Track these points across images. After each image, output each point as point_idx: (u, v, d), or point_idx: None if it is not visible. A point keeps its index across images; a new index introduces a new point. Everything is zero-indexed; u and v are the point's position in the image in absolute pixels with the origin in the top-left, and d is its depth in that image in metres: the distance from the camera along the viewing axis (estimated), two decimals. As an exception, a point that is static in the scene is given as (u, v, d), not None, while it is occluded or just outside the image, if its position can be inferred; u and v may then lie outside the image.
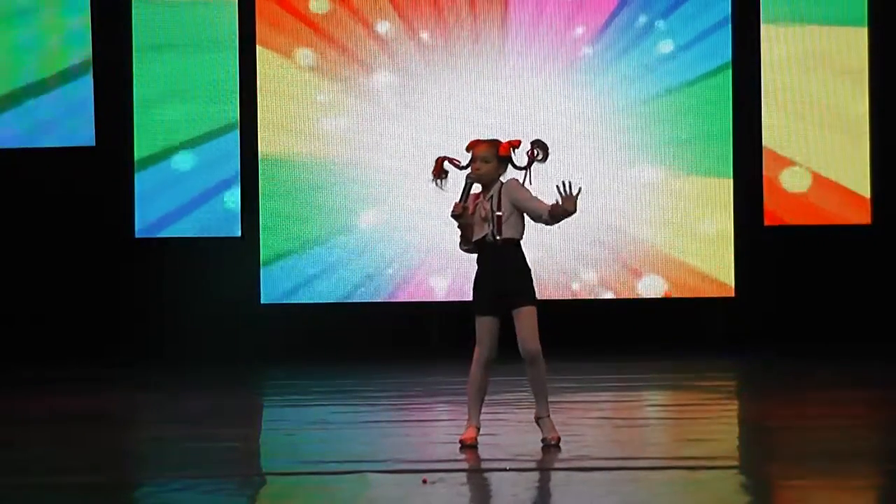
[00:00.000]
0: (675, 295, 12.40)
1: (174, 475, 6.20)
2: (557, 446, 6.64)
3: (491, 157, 6.71)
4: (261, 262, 12.57)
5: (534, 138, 6.74)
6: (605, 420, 7.93)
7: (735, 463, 6.53)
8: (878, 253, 12.38)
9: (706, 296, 12.40)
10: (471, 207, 6.68)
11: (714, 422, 7.96)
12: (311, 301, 12.50)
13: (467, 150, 6.79)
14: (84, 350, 12.39)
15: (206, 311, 12.36)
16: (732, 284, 12.36)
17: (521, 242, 6.76)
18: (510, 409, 8.38)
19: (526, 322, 6.77)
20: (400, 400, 8.85)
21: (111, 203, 12.68)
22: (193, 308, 12.40)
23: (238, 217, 12.56)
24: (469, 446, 6.65)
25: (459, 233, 6.77)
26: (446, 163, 6.78)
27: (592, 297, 12.44)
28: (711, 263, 12.38)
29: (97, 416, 8.54)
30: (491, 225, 6.68)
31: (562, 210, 6.55)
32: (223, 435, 7.48)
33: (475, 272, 6.90)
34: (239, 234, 12.61)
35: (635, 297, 12.42)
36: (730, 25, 12.39)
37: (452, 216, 6.68)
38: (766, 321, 12.40)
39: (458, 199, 6.67)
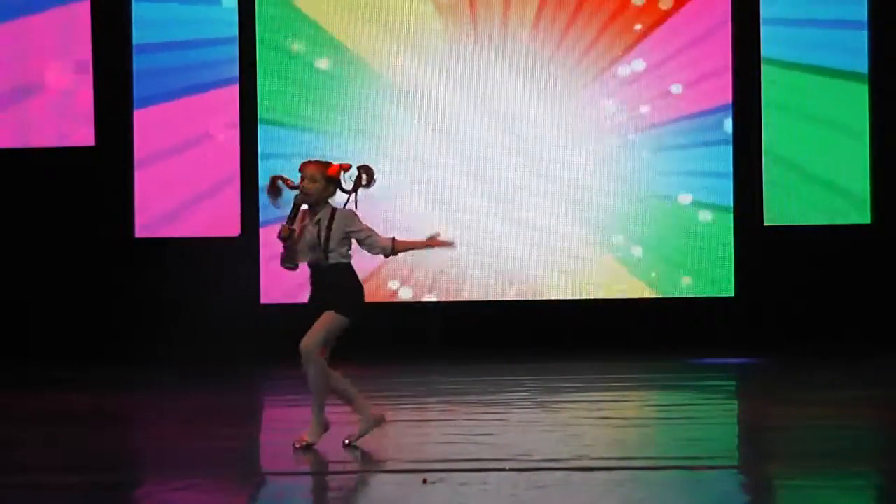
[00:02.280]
0: (674, 295, 12.40)
1: (174, 475, 6.20)
2: (308, 448, 6.82)
3: (319, 177, 6.88)
4: (260, 262, 12.57)
5: (361, 164, 6.94)
6: (605, 420, 7.93)
7: (735, 463, 6.54)
8: (878, 253, 12.38)
9: (706, 296, 12.41)
10: (297, 229, 6.85)
11: (714, 422, 7.96)
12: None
13: (300, 170, 6.93)
14: (84, 350, 12.39)
15: (206, 311, 12.36)
16: (732, 285, 12.36)
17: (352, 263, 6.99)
18: (509, 409, 8.38)
19: (318, 322, 6.95)
20: (400, 400, 8.85)
21: (111, 203, 12.68)
22: (193, 308, 12.39)
23: (238, 213, 12.58)
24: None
25: (282, 251, 6.93)
26: (280, 182, 6.90)
27: (592, 298, 12.44)
28: (711, 263, 12.38)
29: (97, 416, 8.54)
30: (318, 251, 6.86)
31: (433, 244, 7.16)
32: (223, 435, 7.48)
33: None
34: (239, 233, 12.61)
35: (635, 297, 12.42)
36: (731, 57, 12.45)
37: (279, 237, 6.85)
38: (765, 321, 12.41)
39: (285, 221, 6.84)
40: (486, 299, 12.49)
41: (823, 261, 12.37)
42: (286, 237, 6.83)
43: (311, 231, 6.85)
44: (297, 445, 6.85)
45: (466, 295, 12.49)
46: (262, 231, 12.53)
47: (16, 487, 5.96)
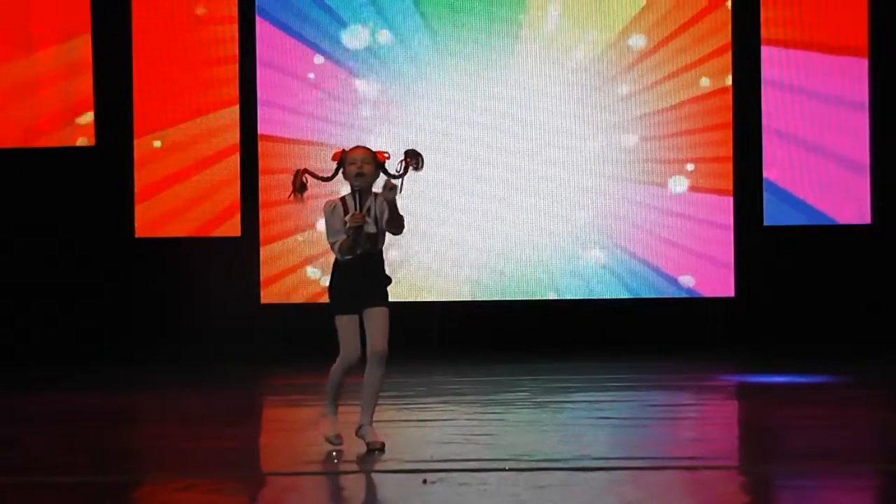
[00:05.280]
0: (675, 295, 12.40)
1: (174, 475, 6.20)
2: (382, 450, 6.65)
3: (371, 159, 6.68)
4: (261, 262, 12.58)
5: (408, 148, 6.72)
6: (605, 420, 7.93)
7: (735, 463, 6.53)
8: (878, 253, 12.38)
9: (706, 296, 12.41)
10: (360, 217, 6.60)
11: (714, 422, 7.96)
12: (311, 301, 12.50)
13: (334, 159, 6.73)
14: (84, 350, 12.39)
15: (206, 311, 12.36)
16: (732, 284, 12.37)
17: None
18: (510, 409, 8.38)
19: (380, 322, 6.68)
20: (400, 400, 8.85)
21: (111, 203, 12.68)
22: (193, 308, 12.40)
23: (238, 213, 12.59)
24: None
25: (339, 243, 6.64)
26: (306, 175, 6.69)
27: (592, 298, 12.44)
28: (711, 263, 12.38)
29: (97, 416, 8.53)
30: (373, 239, 6.65)
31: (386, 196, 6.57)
32: (223, 435, 7.48)
33: (333, 274, 6.77)
34: (239, 234, 12.61)
35: (635, 297, 12.42)
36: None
37: (354, 227, 6.57)
38: (766, 321, 12.41)
39: (355, 209, 6.59)
40: (486, 299, 12.49)
41: (823, 261, 12.38)
42: (360, 226, 6.60)
43: (368, 221, 6.61)
44: (378, 447, 6.70)
45: (466, 295, 12.49)
46: (262, 231, 12.55)
47: (16, 487, 5.96)
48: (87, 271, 12.73)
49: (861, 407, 8.31)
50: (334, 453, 6.61)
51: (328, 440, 6.75)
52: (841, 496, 5.58)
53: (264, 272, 12.57)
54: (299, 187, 6.69)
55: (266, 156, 12.57)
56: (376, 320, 6.67)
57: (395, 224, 6.65)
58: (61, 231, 12.73)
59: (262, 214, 12.57)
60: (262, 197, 12.57)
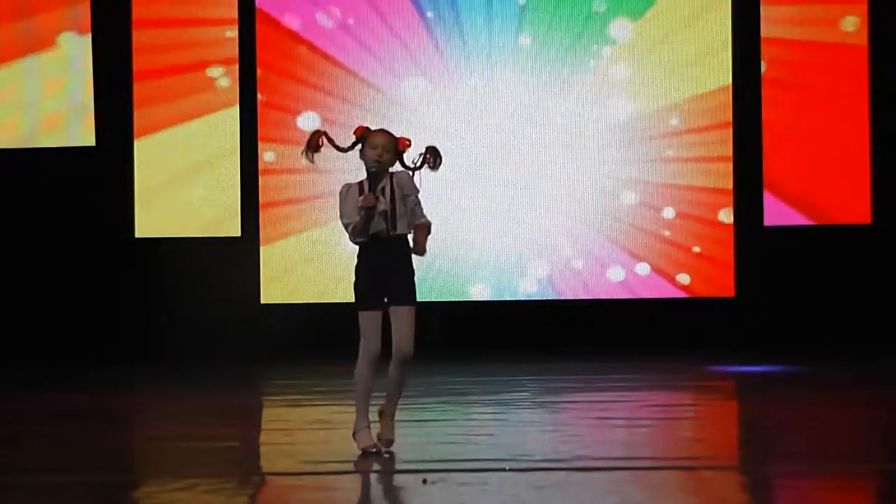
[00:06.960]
0: (675, 295, 12.40)
1: (174, 475, 6.20)
2: (381, 451, 6.55)
3: (392, 147, 6.59)
4: (261, 262, 12.57)
5: (429, 144, 6.64)
6: (605, 420, 7.93)
7: (735, 463, 6.53)
8: (878, 253, 12.38)
9: (706, 296, 12.41)
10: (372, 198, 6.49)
11: (714, 422, 7.96)
12: (311, 301, 12.50)
13: (355, 133, 6.62)
14: (84, 350, 12.39)
15: (206, 311, 12.36)
16: (732, 284, 12.37)
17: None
18: (510, 409, 8.39)
19: (407, 323, 6.65)
20: (400, 400, 8.84)
21: (111, 203, 12.68)
22: (193, 308, 12.39)
23: (238, 213, 12.58)
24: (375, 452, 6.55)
25: (353, 225, 6.55)
26: (323, 138, 6.57)
27: (593, 298, 12.43)
28: (711, 263, 12.38)
29: (97, 416, 8.54)
30: (387, 221, 6.56)
31: (413, 248, 6.59)
32: (223, 435, 7.48)
33: (356, 266, 6.65)
34: (239, 234, 12.61)
35: (635, 297, 12.42)
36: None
37: (366, 207, 6.48)
38: (765, 321, 12.41)
39: (368, 191, 6.50)
40: (486, 299, 12.48)
41: (823, 261, 12.37)
42: (372, 206, 6.49)
43: (382, 201, 6.53)
44: (385, 448, 6.59)
45: (467, 295, 12.48)
46: (261, 230, 12.55)
47: (16, 487, 5.96)
48: (88, 271, 12.73)
49: (861, 407, 8.31)
50: (385, 452, 6.55)
51: (369, 453, 6.53)
52: (841, 496, 5.58)
53: (264, 272, 12.56)
54: (313, 147, 6.58)
55: (268, 155, 12.57)
56: (403, 321, 6.63)
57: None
58: (61, 231, 12.72)
59: (262, 214, 12.56)
60: (262, 196, 12.56)
